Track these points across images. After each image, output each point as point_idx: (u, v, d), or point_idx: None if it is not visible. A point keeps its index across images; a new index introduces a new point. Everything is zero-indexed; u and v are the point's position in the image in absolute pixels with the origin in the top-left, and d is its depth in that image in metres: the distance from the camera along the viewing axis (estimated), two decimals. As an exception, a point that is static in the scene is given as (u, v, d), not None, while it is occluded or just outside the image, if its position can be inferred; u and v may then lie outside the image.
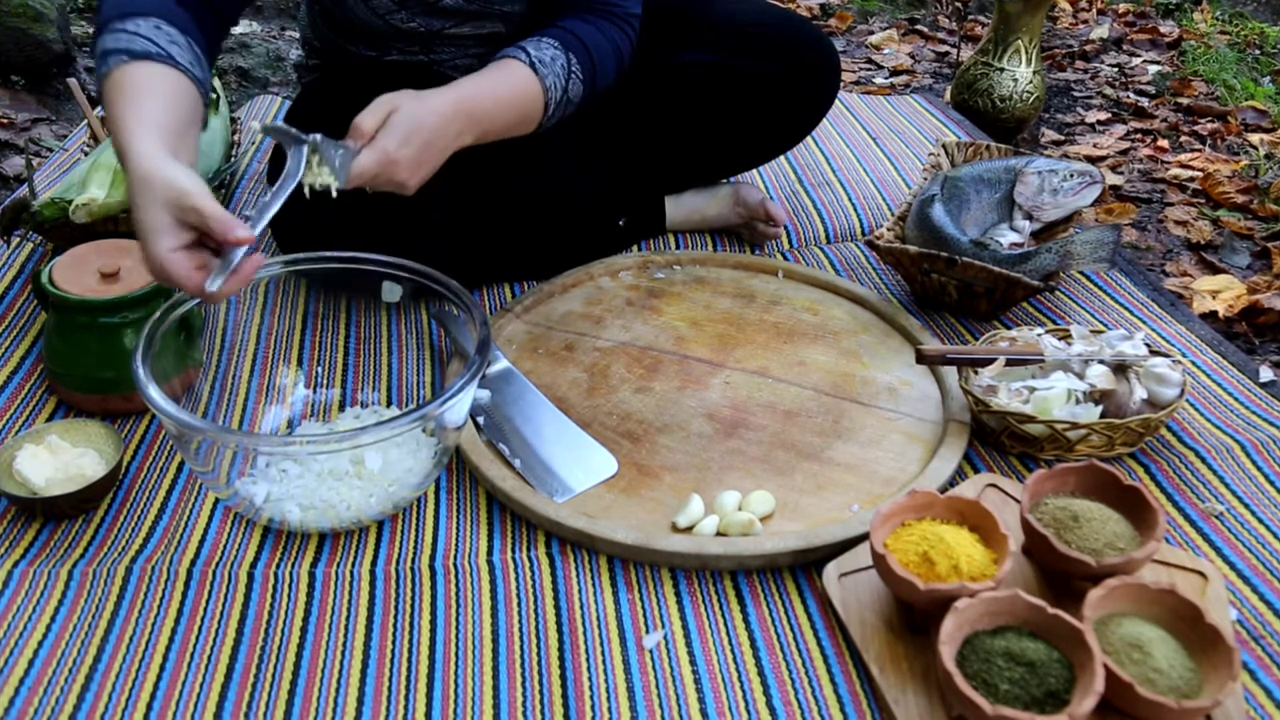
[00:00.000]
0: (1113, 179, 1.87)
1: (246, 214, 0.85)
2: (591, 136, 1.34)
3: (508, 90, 1.03)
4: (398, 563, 0.91)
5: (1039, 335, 1.12)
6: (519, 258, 1.31)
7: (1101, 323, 1.26)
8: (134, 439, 1.05)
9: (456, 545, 0.93)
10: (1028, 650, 0.74)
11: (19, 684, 0.78)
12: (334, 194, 0.89)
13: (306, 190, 0.89)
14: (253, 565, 0.90)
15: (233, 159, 1.46)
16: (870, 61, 2.52)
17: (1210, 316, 1.44)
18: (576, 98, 1.10)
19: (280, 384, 1.09)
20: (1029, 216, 1.36)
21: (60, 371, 1.06)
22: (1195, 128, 2.11)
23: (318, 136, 0.88)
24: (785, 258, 1.41)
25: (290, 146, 0.88)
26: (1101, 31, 2.67)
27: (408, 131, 0.93)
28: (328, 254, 1.01)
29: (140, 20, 0.91)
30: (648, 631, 0.85)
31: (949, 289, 1.25)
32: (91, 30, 2.42)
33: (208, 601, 0.86)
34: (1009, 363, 1.07)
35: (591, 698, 0.79)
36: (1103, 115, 2.18)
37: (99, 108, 1.86)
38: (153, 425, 1.07)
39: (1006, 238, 1.33)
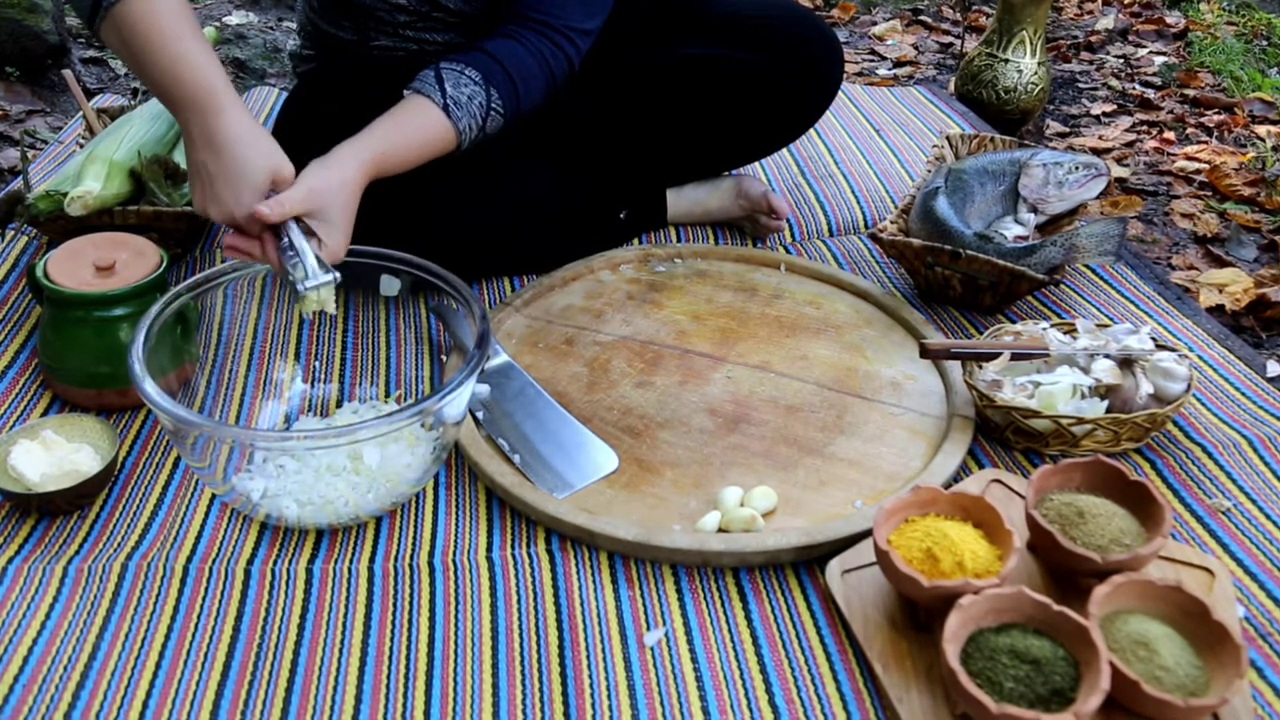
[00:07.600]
0: (1118, 171, 1.85)
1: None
2: (569, 139, 1.33)
3: (418, 140, 1.06)
4: (396, 559, 0.90)
5: (1044, 329, 1.11)
6: (516, 253, 1.30)
7: (1107, 316, 1.25)
8: (129, 434, 1.04)
9: (455, 541, 0.92)
10: (1032, 648, 0.73)
11: (14, 680, 0.78)
12: (333, 310, 0.94)
13: (309, 315, 0.95)
14: (249, 561, 0.90)
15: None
16: (874, 53, 2.51)
17: (1217, 310, 1.43)
18: (495, 129, 1.13)
19: (278, 379, 1.09)
20: (1034, 209, 1.35)
21: (55, 366, 1.05)
22: (1202, 120, 2.10)
23: (308, 284, 0.92)
24: (787, 251, 1.40)
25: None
26: (1107, 22, 2.66)
27: (341, 219, 0.96)
28: None
29: None
30: (649, 628, 0.84)
31: (953, 282, 1.23)
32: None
33: (204, 598, 0.86)
34: (1014, 357, 1.06)
35: (592, 695, 0.78)
36: (1108, 107, 2.17)
37: (94, 100, 1.85)
38: (149, 420, 1.06)
39: (1011, 231, 1.32)
